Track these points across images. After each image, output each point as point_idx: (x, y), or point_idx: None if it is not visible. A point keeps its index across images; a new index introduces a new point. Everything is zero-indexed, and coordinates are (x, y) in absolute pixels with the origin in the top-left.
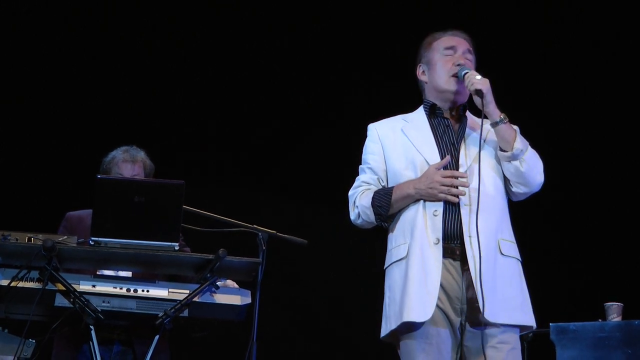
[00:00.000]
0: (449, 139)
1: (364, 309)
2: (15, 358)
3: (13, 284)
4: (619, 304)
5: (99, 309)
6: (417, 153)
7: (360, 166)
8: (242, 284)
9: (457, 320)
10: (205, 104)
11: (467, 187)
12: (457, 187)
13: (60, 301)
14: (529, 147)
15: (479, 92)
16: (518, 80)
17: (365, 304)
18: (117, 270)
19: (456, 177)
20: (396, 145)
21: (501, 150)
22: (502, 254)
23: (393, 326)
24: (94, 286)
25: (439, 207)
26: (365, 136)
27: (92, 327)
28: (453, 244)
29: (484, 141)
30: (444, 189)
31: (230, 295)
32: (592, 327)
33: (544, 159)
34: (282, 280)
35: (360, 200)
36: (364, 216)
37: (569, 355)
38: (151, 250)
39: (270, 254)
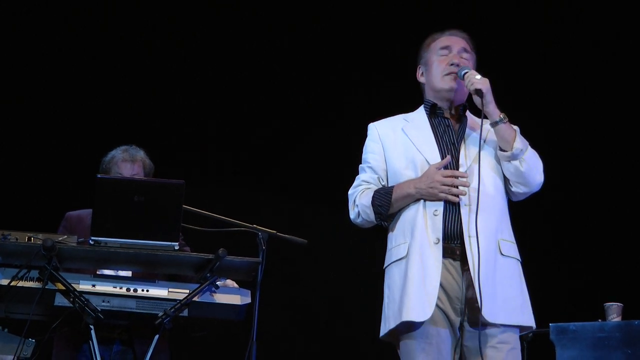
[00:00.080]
0: (449, 139)
1: (364, 309)
2: (15, 357)
3: (13, 283)
4: (619, 304)
5: (98, 308)
6: (418, 152)
7: (360, 165)
8: (242, 284)
9: (457, 320)
10: (205, 104)
11: (468, 187)
12: (457, 187)
13: (60, 301)
14: (529, 147)
15: (479, 92)
16: (518, 80)
17: (365, 304)
18: (117, 270)
19: (457, 177)
20: (396, 145)
21: (501, 150)
22: (502, 254)
23: (392, 325)
24: (93, 286)
25: (439, 206)
26: (365, 136)
27: (92, 326)
28: (453, 244)
29: (484, 141)
30: (444, 188)
31: (230, 295)
32: (592, 327)
33: (544, 159)
34: (282, 280)
35: (360, 199)
36: (364, 215)
37: (568, 356)
38: (151, 250)
39: (270, 253)
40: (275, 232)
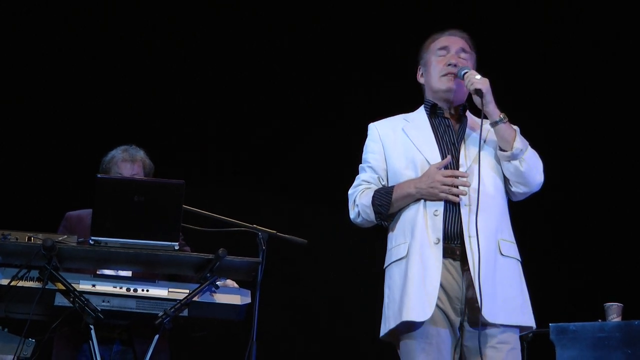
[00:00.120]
0: (449, 139)
1: (364, 309)
2: (15, 357)
3: (13, 283)
4: (619, 304)
5: (98, 308)
6: (418, 152)
7: (360, 165)
8: (242, 284)
9: (457, 320)
10: (205, 104)
11: (469, 186)
12: (457, 187)
13: (60, 300)
14: (529, 146)
15: (479, 92)
16: (518, 80)
17: (365, 304)
18: (117, 270)
19: (457, 177)
20: (397, 145)
21: (501, 149)
22: (502, 254)
23: (392, 325)
24: (93, 285)
25: (439, 206)
26: (365, 136)
27: (92, 326)
28: (453, 244)
29: (484, 141)
30: (445, 188)
31: (230, 294)
32: (592, 327)
33: (544, 159)
34: (282, 280)
35: (360, 198)
36: (364, 215)
37: (568, 356)
38: (151, 250)
39: (270, 253)
40: (275, 232)
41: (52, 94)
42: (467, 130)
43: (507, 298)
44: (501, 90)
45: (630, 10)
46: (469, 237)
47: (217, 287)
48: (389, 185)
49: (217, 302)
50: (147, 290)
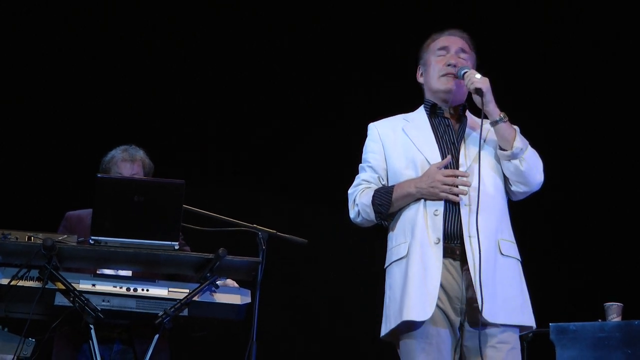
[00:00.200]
0: (449, 139)
1: (364, 309)
2: (15, 357)
3: (13, 282)
4: (619, 304)
5: (98, 308)
6: (418, 152)
7: (360, 165)
8: (242, 284)
9: (457, 320)
10: (205, 104)
11: (469, 186)
12: (458, 187)
13: (60, 300)
14: (529, 146)
15: (479, 91)
16: (518, 80)
17: (365, 304)
18: (117, 270)
19: (457, 177)
20: (397, 145)
21: (501, 149)
22: (502, 254)
23: (393, 325)
24: (93, 285)
25: (439, 206)
26: (365, 136)
27: (92, 326)
28: (453, 244)
29: (484, 141)
30: (445, 188)
31: (230, 294)
32: (592, 327)
33: (544, 159)
34: (282, 280)
35: (360, 198)
36: (364, 214)
37: (568, 355)
38: (151, 250)
39: (270, 253)
40: (275, 232)
41: (52, 94)
42: (467, 129)
43: (507, 298)
44: (501, 90)
45: (630, 10)
46: (469, 237)
47: (217, 286)
48: (389, 185)
49: (217, 301)
50: (147, 290)
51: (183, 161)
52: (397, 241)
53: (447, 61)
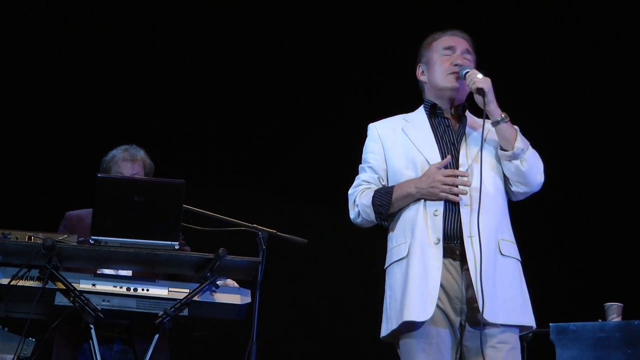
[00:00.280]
0: (449, 139)
1: (364, 309)
2: (15, 357)
3: (13, 282)
4: (619, 304)
5: (99, 307)
6: (418, 152)
7: (360, 165)
8: (242, 283)
9: (456, 320)
10: (205, 104)
11: (469, 186)
12: (458, 187)
13: (60, 300)
14: (530, 146)
15: (481, 91)
16: (518, 80)
17: (365, 304)
18: (117, 269)
19: (457, 177)
20: (396, 145)
21: (502, 149)
22: (502, 254)
23: (394, 326)
24: (94, 285)
25: (439, 206)
26: (365, 136)
27: (92, 326)
28: (453, 244)
29: (484, 141)
30: (445, 188)
31: (230, 294)
32: (592, 327)
33: (544, 159)
34: (282, 280)
35: (360, 198)
36: (364, 215)
37: (569, 355)
38: (151, 250)
39: (270, 253)
40: (275, 231)
41: (52, 94)
42: (467, 129)
43: (507, 298)
44: (501, 90)
45: (630, 10)
46: (470, 237)
47: (217, 286)
48: (389, 185)
49: (217, 301)
50: (147, 290)
51: (183, 161)
52: (397, 241)
53: (453, 61)
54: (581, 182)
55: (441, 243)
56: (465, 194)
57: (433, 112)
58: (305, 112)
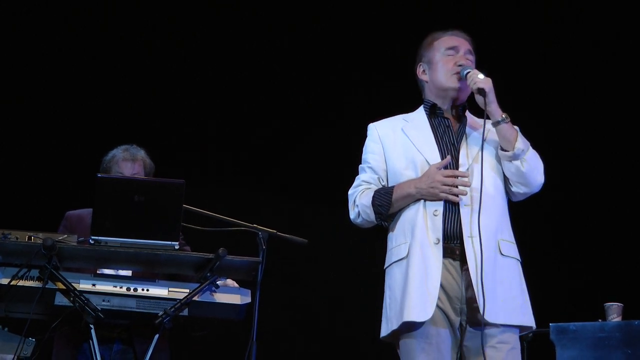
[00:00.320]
0: (449, 139)
1: (364, 309)
2: (15, 357)
3: (13, 282)
4: (619, 304)
5: (99, 307)
6: (418, 153)
7: (360, 165)
8: (242, 283)
9: (456, 320)
10: (205, 104)
11: (469, 186)
12: (457, 187)
13: (60, 300)
14: (530, 147)
15: (482, 91)
16: (518, 80)
17: (365, 304)
18: (117, 269)
19: (457, 177)
20: (396, 145)
21: (502, 149)
22: (502, 254)
23: (394, 326)
24: (94, 285)
25: (439, 206)
26: (365, 136)
27: (92, 325)
28: (453, 244)
29: (484, 141)
30: (445, 188)
31: (230, 294)
32: (592, 327)
33: (544, 159)
34: (282, 280)
35: (360, 199)
36: (364, 215)
37: (569, 355)
38: (151, 249)
39: (270, 253)
40: (275, 231)
41: (52, 94)
42: (467, 130)
43: (507, 298)
44: (501, 90)
45: (630, 10)
46: (470, 237)
47: (217, 286)
48: (389, 186)
49: (217, 301)
50: (147, 290)
51: (183, 161)
52: (397, 242)
53: (457, 61)
54: (581, 182)
55: (441, 243)
56: (465, 194)
57: (433, 112)
58: (305, 112)
